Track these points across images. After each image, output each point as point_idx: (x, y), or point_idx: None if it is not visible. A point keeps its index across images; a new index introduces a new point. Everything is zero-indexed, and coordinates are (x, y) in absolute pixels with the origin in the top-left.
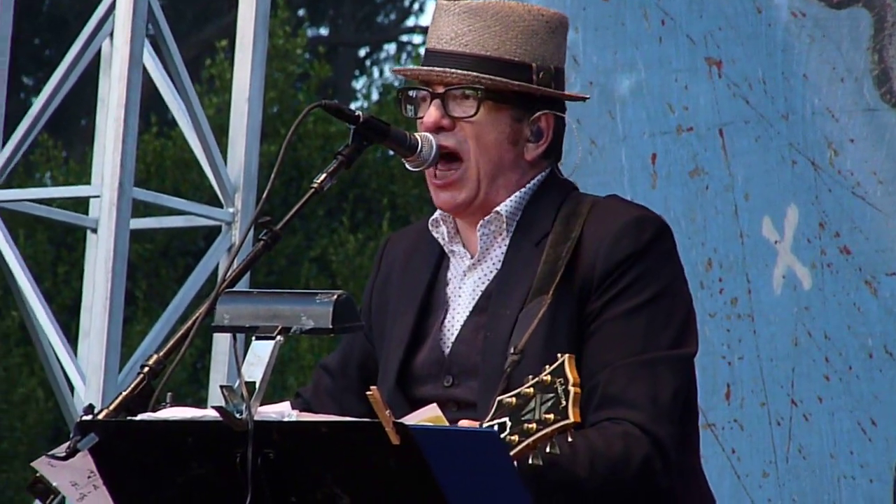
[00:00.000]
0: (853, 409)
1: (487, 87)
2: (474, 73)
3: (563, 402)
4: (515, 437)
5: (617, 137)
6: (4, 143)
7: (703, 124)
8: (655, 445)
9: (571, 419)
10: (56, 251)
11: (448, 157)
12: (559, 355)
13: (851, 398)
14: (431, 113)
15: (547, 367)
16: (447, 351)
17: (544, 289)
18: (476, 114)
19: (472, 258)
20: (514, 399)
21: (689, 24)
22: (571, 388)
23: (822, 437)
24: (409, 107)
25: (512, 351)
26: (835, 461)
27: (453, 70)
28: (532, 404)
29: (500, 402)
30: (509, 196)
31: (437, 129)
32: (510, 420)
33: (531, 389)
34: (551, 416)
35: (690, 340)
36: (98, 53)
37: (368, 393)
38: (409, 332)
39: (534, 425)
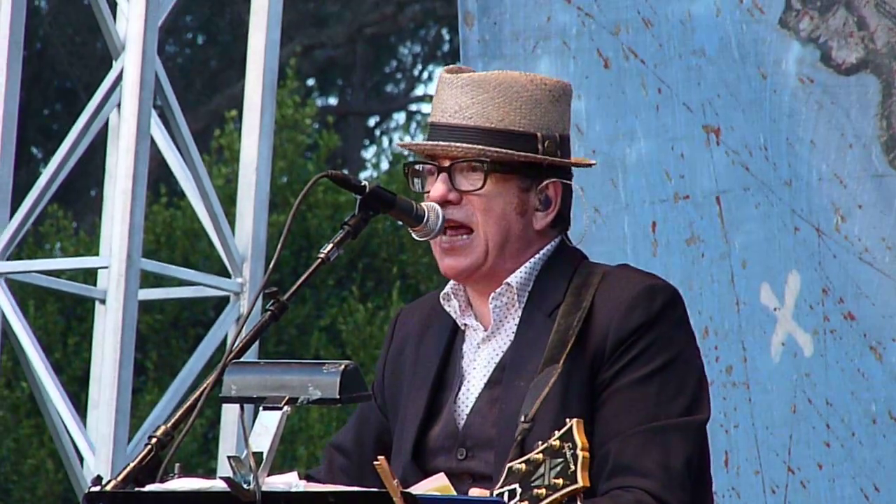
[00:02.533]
0: (855, 476)
1: (493, 159)
2: (479, 147)
3: (573, 467)
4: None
5: (620, 205)
6: (13, 214)
7: (700, 192)
8: None
9: (580, 484)
10: (66, 322)
11: (457, 226)
12: (567, 420)
13: (854, 464)
14: (438, 187)
15: (556, 432)
16: (461, 424)
17: (555, 358)
18: (483, 186)
19: (485, 331)
20: (523, 465)
21: (686, 92)
22: (580, 453)
23: None
24: (416, 180)
25: (522, 419)
26: None
27: (458, 144)
28: (541, 470)
29: (510, 468)
30: (518, 267)
31: (443, 202)
32: (520, 486)
33: (540, 455)
34: (560, 480)
35: (702, 407)
36: (106, 124)
37: (376, 463)
38: (423, 406)
39: (543, 490)
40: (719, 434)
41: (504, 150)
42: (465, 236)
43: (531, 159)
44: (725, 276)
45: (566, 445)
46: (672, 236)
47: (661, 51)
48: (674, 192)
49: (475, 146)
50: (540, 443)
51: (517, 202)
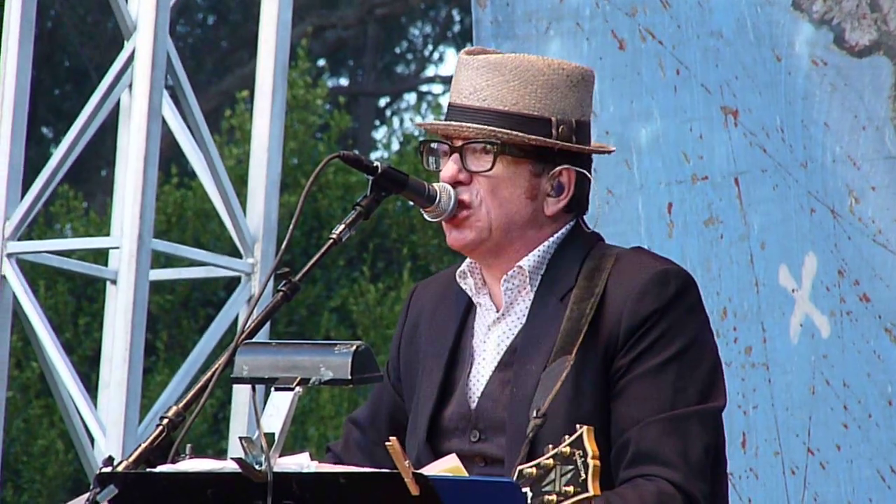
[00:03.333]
0: (872, 457)
1: (504, 141)
2: (490, 128)
3: (583, 475)
4: None
5: (634, 187)
6: (24, 195)
7: (719, 173)
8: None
9: (591, 492)
10: (77, 302)
11: (462, 204)
12: (578, 426)
13: (870, 446)
14: (449, 167)
15: (566, 437)
16: (473, 406)
17: (567, 348)
18: (492, 168)
19: (497, 311)
20: (534, 469)
21: (704, 73)
22: (591, 461)
23: (839, 485)
24: (430, 159)
25: (535, 414)
26: None
27: (470, 125)
28: (552, 475)
29: (520, 471)
30: (531, 250)
31: (454, 182)
32: (531, 490)
33: (551, 461)
34: (571, 488)
35: (718, 394)
36: (117, 104)
37: (388, 444)
38: (437, 385)
39: (554, 497)
40: (737, 415)
41: (515, 133)
42: (466, 210)
43: (543, 143)
44: (745, 258)
45: (577, 453)
46: (689, 217)
47: (680, 32)
48: (692, 173)
49: (486, 127)
50: (550, 446)
51: (528, 186)
